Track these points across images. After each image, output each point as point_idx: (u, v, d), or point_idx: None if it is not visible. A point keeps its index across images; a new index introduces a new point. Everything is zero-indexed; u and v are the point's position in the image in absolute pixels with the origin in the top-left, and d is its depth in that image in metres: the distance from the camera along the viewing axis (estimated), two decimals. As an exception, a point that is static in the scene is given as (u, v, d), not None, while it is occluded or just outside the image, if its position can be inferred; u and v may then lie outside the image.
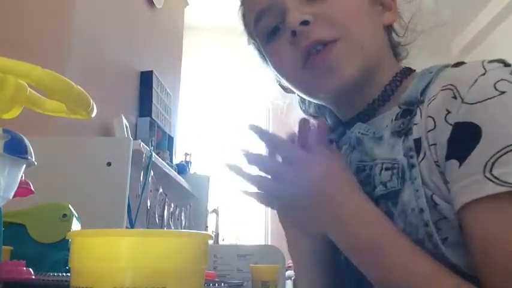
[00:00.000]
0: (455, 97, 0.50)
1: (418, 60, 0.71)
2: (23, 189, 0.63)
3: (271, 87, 0.80)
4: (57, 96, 0.49)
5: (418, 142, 0.54)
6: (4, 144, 0.50)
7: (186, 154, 2.83)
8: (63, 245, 0.78)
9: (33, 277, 0.59)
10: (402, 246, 0.52)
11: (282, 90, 0.77)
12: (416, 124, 0.55)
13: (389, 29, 0.68)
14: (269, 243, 3.77)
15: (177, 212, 2.19)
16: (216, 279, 1.01)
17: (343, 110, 0.69)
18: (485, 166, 0.46)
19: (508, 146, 0.45)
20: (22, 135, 0.54)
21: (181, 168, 2.50)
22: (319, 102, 0.72)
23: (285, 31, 0.63)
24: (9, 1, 1.65)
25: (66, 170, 1.29)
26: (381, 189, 0.57)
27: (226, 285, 0.88)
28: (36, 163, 0.56)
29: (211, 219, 2.91)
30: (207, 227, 2.77)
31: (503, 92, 0.47)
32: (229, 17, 4.02)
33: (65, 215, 0.81)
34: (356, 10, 0.63)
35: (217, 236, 2.91)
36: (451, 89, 0.51)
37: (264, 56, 0.73)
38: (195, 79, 4.28)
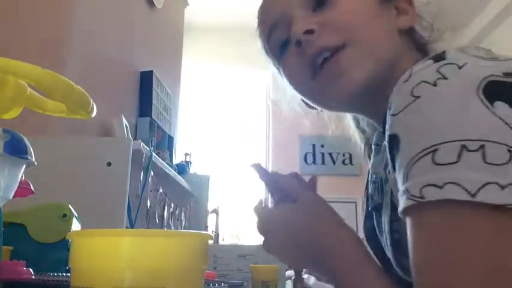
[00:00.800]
0: (389, 108, 0.48)
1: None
2: (23, 189, 0.63)
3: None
4: (57, 96, 0.49)
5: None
6: (4, 144, 0.50)
7: (186, 154, 2.83)
8: (63, 245, 0.78)
9: (33, 277, 0.59)
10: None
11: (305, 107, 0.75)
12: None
13: (410, 31, 0.66)
14: (269, 243, 3.77)
15: (177, 212, 2.19)
16: (216, 279, 1.01)
17: (371, 115, 0.67)
18: (405, 177, 0.44)
19: (416, 155, 0.43)
20: (22, 135, 0.54)
21: (181, 168, 2.50)
22: (334, 111, 0.71)
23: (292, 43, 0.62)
24: (9, 1, 1.65)
25: (66, 170, 1.29)
26: (370, 202, 0.60)
27: (226, 285, 0.87)
28: (36, 163, 0.56)
29: (211, 219, 2.91)
30: (207, 227, 2.77)
31: (417, 97, 0.44)
32: (229, 17, 4.01)
33: (65, 215, 0.81)
34: (363, 15, 0.61)
35: (217, 236, 2.91)
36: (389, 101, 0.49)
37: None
38: (195, 79, 4.28)
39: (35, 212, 0.81)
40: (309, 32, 0.59)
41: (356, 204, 4.01)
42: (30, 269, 0.59)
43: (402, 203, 0.44)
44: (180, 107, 3.00)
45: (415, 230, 0.43)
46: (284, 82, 0.69)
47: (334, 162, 4.22)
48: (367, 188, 0.67)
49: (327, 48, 0.59)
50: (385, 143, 0.49)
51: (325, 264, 0.53)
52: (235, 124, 4.34)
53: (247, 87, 4.48)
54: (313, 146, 4.21)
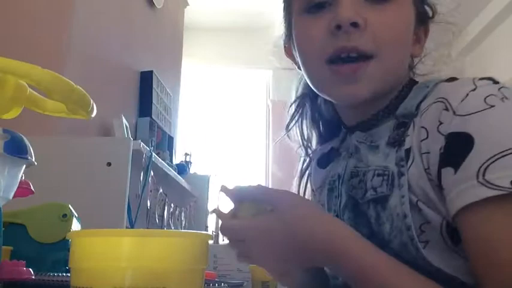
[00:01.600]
0: (447, 109, 0.53)
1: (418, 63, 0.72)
2: (23, 189, 0.63)
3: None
4: (57, 96, 0.49)
5: (408, 151, 0.57)
6: (4, 144, 0.50)
7: (186, 154, 2.83)
8: (63, 245, 0.78)
9: (33, 277, 0.59)
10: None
11: (284, 54, 0.76)
12: (408, 135, 0.58)
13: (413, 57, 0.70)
14: (269, 243, 3.77)
15: (177, 212, 2.19)
16: (216, 279, 1.01)
17: (349, 115, 0.70)
18: (478, 172, 0.49)
19: (498, 153, 0.48)
20: (22, 135, 0.54)
21: (181, 169, 2.50)
22: (325, 97, 0.71)
23: (329, 14, 0.61)
24: (9, 1, 1.65)
25: (66, 170, 1.29)
26: (371, 193, 0.60)
27: (226, 285, 0.88)
28: (36, 163, 0.56)
29: (211, 219, 2.91)
30: (207, 227, 2.77)
31: (492, 106, 0.51)
32: (229, 17, 4.01)
33: (65, 215, 0.81)
34: (404, 33, 0.63)
35: (217, 236, 2.91)
36: (443, 102, 0.54)
37: (289, 26, 0.71)
38: (195, 79, 4.28)
39: (35, 212, 0.81)
40: (354, 24, 0.59)
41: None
42: (30, 269, 0.59)
43: (474, 194, 0.48)
44: (180, 107, 3.00)
45: (503, 219, 0.48)
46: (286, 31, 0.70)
47: (334, 162, 4.22)
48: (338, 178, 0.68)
49: (358, 52, 0.60)
50: (425, 139, 0.54)
51: (340, 267, 0.54)
52: (235, 124, 4.34)
53: (247, 87, 4.48)
54: (313, 146, 4.21)
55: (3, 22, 1.63)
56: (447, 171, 0.52)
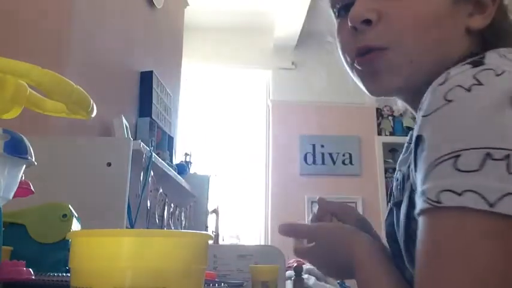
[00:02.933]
0: (420, 109, 0.49)
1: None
2: (23, 189, 0.63)
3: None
4: (57, 96, 0.49)
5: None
6: (4, 144, 0.50)
7: (186, 154, 2.83)
8: (63, 245, 0.78)
9: (33, 277, 0.59)
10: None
11: None
12: None
13: (484, 30, 0.60)
14: (269, 243, 3.77)
15: (177, 212, 2.19)
16: (216, 280, 1.01)
17: (412, 107, 0.67)
18: (424, 179, 0.45)
19: (436, 160, 0.43)
20: (22, 135, 0.54)
21: (181, 169, 2.49)
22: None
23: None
24: (9, 1, 1.65)
25: (66, 170, 1.29)
26: (393, 198, 0.62)
27: (226, 285, 0.88)
28: (36, 163, 0.56)
29: (211, 219, 2.91)
30: (207, 227, 2.77)
31: (449, 101, 0.45)
32: (229, 17, 4.00)
33: (65, 215, 0.81)
34: (427, 17, 0.57)
35: (217, 236, 2.91)
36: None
37: None
38: (195, 79, 4.28)
39: (35, 212, 0.81)
40: (366, 22, 0.58)
41: (356, 204, 4.01)
42: (30, 269, 0.59)
43: (419, 204, 0.45)
44: (180, 107, 3.00)
45: (426, 231, 0.44)
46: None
47: (334, 162, 4.22)
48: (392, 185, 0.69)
49: (372, 48, 0.59)
50: (412, 142, 0.50)
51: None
52: (235, 124, 4.34)
53: (247, 87, 4.48)
54: (313, 146, 4.21)
55: (3, 22, 1.63)
56: (416, 176, 0.49)
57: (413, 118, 0.69)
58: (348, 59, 0.64)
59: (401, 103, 0.70)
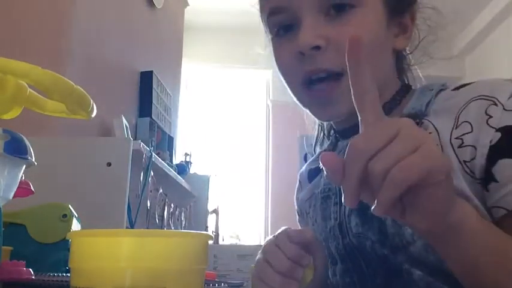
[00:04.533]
0: (495, 104, 0.54)
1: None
2: (23, 189, 0.63)
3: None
4: (57, 96, 0.49)
5: None
6: (4, 144, 0.50)
7: (186, 154, 2.83)
8: (63, 245, 0.78)
9: (33, 277, 0.59)
10: None
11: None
12: (430, 133, 0.58)
13: (398, 51, 0.68)
14: (269, 243, 3.77)
15: (177, 212, 2.19)
16: (216, 280, 1.01)
17: (338, 122, 0.70)
18: None
19: None
20: (22, 135, 0.54)
21: (181, 169, 2.50)
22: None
23: (295, 37, 0.62)
24: (10, 1, 1.65)
25: (66, 170, 1.29)
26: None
27: (226, 285, 0.87)
28: (36, 163, 0.56)
29: (211, 219, 2.91)
30: (207, 227, 2.77)
31: None
32: (229, 17, 4.01)
33: (65, 215, 0.81)
34: (371, 40, 0.60)
35: (217, 236, 2.91)
36: (488, 99, 0.55)
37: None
38: (195, 79, 4.28)
39: (35, 212, 0.81)
40: (316, 48, 0.60)
41: (356, 204, 4.00)
42: (30, 269, 0.59)
43: None
44: (180, 107, 3.00)
45: None
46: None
47: (334, 162, 4.21)
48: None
49: (325, 72, 0.60)
50: (470, 132, 0.54)
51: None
52: (235, 124, 4.34)
53: (247, 87, 4.48)
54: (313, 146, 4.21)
55: (4, 22, 1.63)
56: (505, 163, 0.52)
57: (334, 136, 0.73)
58: (293, 80, 0.65)
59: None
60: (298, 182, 0.84)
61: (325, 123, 0.80)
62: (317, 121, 0.81)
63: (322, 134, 0.82)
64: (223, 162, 4.07)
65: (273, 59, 0.69)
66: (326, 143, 0.80)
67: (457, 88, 0.60)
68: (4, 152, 0.50)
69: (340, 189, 0.66)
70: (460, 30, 3.86)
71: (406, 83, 0.71)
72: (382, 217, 0.59)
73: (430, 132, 0.58)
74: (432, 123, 0.59)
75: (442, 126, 0.57)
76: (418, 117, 0.60)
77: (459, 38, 3.94)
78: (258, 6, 0.71)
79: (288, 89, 0.68)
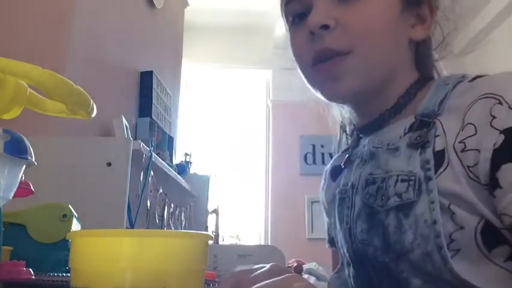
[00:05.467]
0: (500, 103, 0.51)
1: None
2: (23, 190, 0.63)
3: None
4: (57, 96, 0.49)
5: (440, 154, 0.55)
6: (4, 144, 0.50)
7: (186, 154, 2.83)
8: (63, 245, 0.78)
9: (33, 277, 0.59)
10: None
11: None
12: (438, 136, 0.56)
13: (419, 44, 0.67)
14: (269, 243, 3.77)
15: (177, 212, 2.19)
16: (216, 280, 1.01)
17: (358, 115, 0.70)
18: None
19: None
20: (22, 135, 0.54)
21: (181, 169, 2.49)
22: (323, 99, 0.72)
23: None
24: (10, 1, 1.65)
25: (66, 170, 1.29)
26: (395, 200, 0.57)
27: (226, 285, 0.87)
28: (36, 163, 0.56)
29: (211, 219, 2.91)
30: (207, 227, 2.77)
31: None
32: (229, 17, 4.00)
33: (65, 215, 0.81)
34: (381, 24, 0.62)
35: (217, 236, 2.91)
36: (493, 97, 0.52)
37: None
38: (195, 79, 4.28)
39: (35, 212, 0.81)
40: (324, 27, 0.61)
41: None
42: (30, 269, 0.59)
43: None
44: (180, 107, 3.00)
45: None
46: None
47: (334, 162, 4.21)
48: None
49: (333, 51, 0.61)
50: (474, 135, 0.52)
51: None
52: (235, 124, 4.34)
53: (247, 87, 4.48)
54: (313, 146, 4.21)
55: (4, 22, 1.63)
56: (509, 168, 0.49)
57: (354, 130, 0.73)
58: (304, 62, 0.66)
59: (338, 114, 0.77)
60: (323, 179, 0.83)
61: (346, 121, 0.79)
62: (338, 120, 0.81)
63: (343, 133, 0.81)
64: (223, 162, 4.07)
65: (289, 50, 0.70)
66: (349, 140, 0.80)
67: (473, 79, 0.57)
68: (4, 152, 0.50)
69: (353, 193, 0.66)
70: (461, 29, 3.86)
71: (426, 75, 0.68)
72: (385, 223, 0.58)
73: (438, 135, 0.56)
74: (442, 125, 0.56)
75: (450, 128, 0.55)
76: (430, 118, 0.58)
77: (460, 38, 3.94)
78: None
79: (300, 72, 0.69)
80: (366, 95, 0.64)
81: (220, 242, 2.99)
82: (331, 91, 0.64)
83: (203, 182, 2.70)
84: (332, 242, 0.79)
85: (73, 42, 1.66)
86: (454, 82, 0.59)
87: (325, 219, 0.83)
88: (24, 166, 0.56)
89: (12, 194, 0.55)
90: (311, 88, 0.69)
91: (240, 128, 4.36)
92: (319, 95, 0.68)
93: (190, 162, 2.81)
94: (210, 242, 0.38)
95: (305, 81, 0.69)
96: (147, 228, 1.73)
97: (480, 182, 0.51)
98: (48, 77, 0.47)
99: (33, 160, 0.56)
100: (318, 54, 0.62)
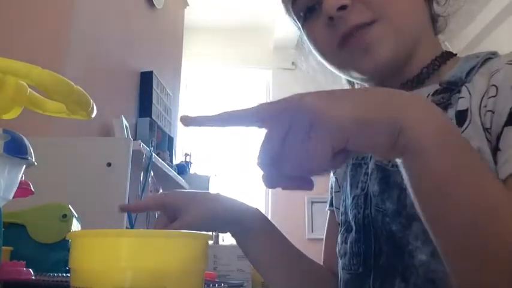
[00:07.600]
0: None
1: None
2: (23, 190, 0.63)
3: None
4: (57, 96, 0.49)
5: (462, 113, 0.55)
6: (4, 144, 0.50)
7: (186, 154, 2.83)
8: (63, 246, 0.78)
9: (33, 277, 0.59)
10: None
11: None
12: (462, 97, 0.56)
13: (434, 19, 0.68)
14: (269, 243, 3.77)
15: (177, 212, 2.18)
16: (216, 280, 1.01)
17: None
18: None
19: None
20: (22, 136, 0.54)
21: (181, 169, 2.50)
22: (352, 80, 0.72)
23: (321, 13, 0.62)
24: (10, 1, 1.65)
25: (66, 170, 1.29)
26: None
27: (226, 285, 0.87)
28: (36, 163, 0.56)
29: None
30: (207, 227, 2.76)
31: None
32: (229, 17, 4.00)
33: (65, 216, 0.81)
34: None
35: (217, 236, 2.91)
36: None
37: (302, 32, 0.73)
38: (195, 79, 4.28)
39: (35, 212, 0.81)
40: (342, 7, 0.60)
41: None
42: (30, 269, 0.59)
43: None
44: (180, 107, 2.99)
45: None
46: (306, 44, 0.70)
47: (334, 162, 4.21)
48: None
49: (358, 26, 0.60)
50: (494, 96, 0.51)
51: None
52: (235, 124, 4.34)
53: (247, 87, 4.48)
54: (313, 146, 4.21)
55: (4, 22, 1.63)
56: (509, 131, 0.49)
57: None
58: (328, 49, 0.65)
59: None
60: None
61: None
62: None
63: None
64: (223, 162, 4.07)
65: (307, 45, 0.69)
66: None
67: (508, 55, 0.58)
68: (4, 152, 0.50)
69: (369, 157, 0.66)
70: (463, 28, 3.87)
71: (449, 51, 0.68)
72: (403, 185, 0.55)
73: (462, 97, 0.56)
74: (468, 89, 0.57)
75: (476, 90, 0.55)
76: (456, 85, 0.58)
77: (461, 36, 3.94)
78: (282, 5, 0.72)
79: (325, 61, 0.68)
80: (395, 66, 0.63)
81: (220, 242, 2.98)
82: (367, 64, 0.62)
83: (203, 182, 2.70)
84: (332, 204, 0.81)
85: (73, 42, 1.66)
86: (484, 56, 0.60)
87: (332, 179, 0.83)
88: (24, 166, 0.56)
89: (12, 194, 0.55)
90: (341, 73, 0.68)
91: (240, 128, 4.35)
92: (352, 74, 0.67)
93: (190, 162, 2.81)
94: (210, 242, 0.38)
95: (331, 66, 0.68)
96: (147, 228, 1.73)
97: (493, 144, 0.51)
98: (48, 77, 0.47)
99: (33, 160, 0.56)
100: (344, 36, 0.61)
